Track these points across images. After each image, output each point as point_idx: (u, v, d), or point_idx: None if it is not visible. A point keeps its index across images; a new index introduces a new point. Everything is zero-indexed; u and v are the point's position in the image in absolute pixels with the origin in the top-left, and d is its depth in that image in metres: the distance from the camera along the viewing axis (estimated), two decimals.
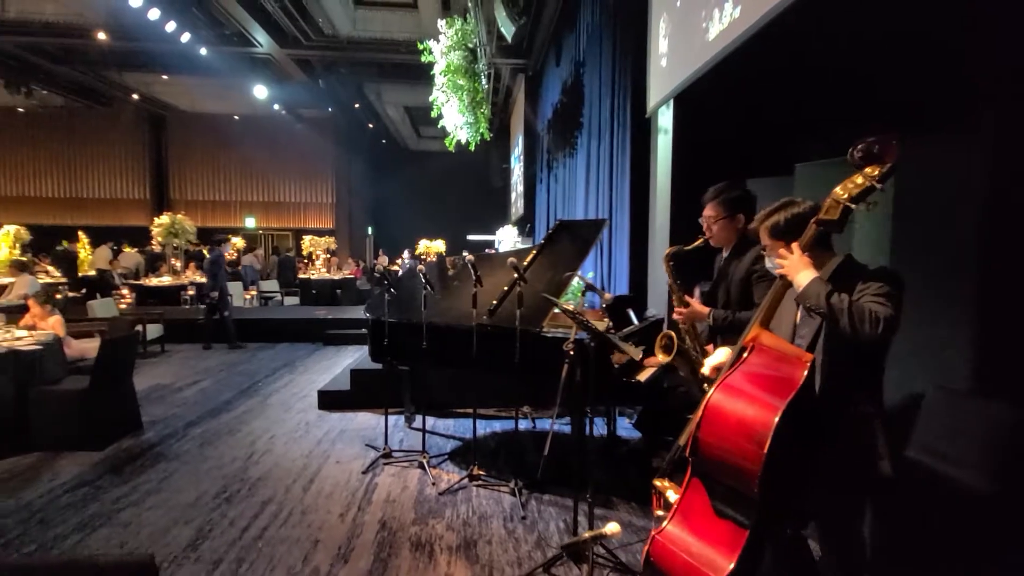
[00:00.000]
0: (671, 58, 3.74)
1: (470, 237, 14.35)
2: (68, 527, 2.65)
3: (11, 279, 6.89)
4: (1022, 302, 1.98)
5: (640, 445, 3.54)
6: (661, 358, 2.11)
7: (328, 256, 12.78)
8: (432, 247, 12.69)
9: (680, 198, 4.21)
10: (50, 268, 9.60)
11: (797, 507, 1.54)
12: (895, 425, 2.32)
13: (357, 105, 13.94)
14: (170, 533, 2.60)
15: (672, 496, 1.63)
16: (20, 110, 14.17)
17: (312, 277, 11.38)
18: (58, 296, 6.99)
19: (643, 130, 4.69)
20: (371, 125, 15.92)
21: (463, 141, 8.71)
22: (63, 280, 9.41)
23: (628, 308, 3.55)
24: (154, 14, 8.16)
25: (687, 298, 2.32)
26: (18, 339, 3.68)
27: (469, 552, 2.46)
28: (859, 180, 1.49)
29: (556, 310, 2.54)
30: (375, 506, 2.89)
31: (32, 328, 4.14)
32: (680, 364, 2.18)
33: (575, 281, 3.32)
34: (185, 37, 8.96)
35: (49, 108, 14.04)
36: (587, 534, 1.71)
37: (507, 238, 9.53)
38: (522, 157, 11.79)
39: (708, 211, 2.35)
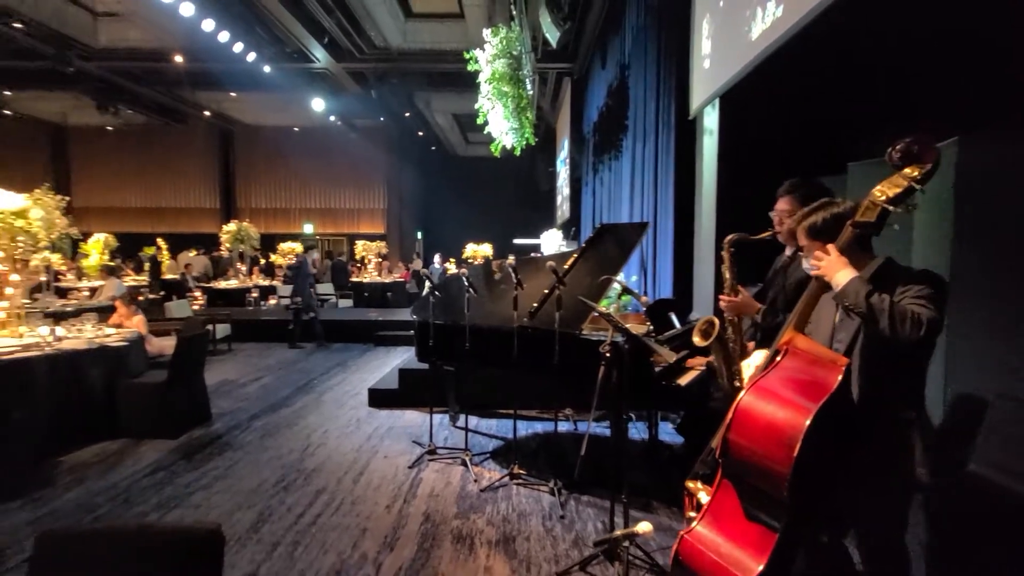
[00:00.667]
0: (714, 58, 3.70)
1: (516, 241, 14.47)
2: (148, 506, 2.93)
3: (102, 282, 7.60)
4: None
5: (682, 450, 3.50)
6: (698, 340, 2.05)
7: (380, 260, 13.25)
8: (479, 251, 12.90)
9: (726, 200, 4.14)
10: (130, 272, 10.50)
11: (830, 512, 1.52)
12: (957, 435, 2.22)
13: (408, 114, 14.38)
14: (234, 516, 2.83)
15: (704, 498, 1.64)
16: (108, 128, 15.56)
17: (364, 280, 11.85)
18: (140, 298, 7.66)
19: (688, 132, 4.64)
20: (421, 133, 16.38)
21: (508, 146, 8.84)
22: (144, 283, 10.26)
23: (670, 312, 3.52)
24: (224, 36, 8.80)
25: (740, 287, 2.18)
26: (108, 336, 4.09)
27: (508, 547, 2.54)
28: (899, 181, 1.46)
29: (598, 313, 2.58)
30: (420, 499, 3.02)
31: (119, 326, 4.58)
32: (716, 352, 2.08)
33: (615, 285, 3.32)
34: (251, 56, 9.59)
35: (132, 126, 15.32)
36: (619, 532, 1.75)
37: (551, 241, 9.58)
38: (568, 160, 11.81)
39: (782, 205, 2.25)
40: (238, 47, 9.22)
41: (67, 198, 4.43)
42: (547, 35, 7.74)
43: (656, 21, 5.47)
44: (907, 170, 1.46)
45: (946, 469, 1.95)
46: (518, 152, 9.34)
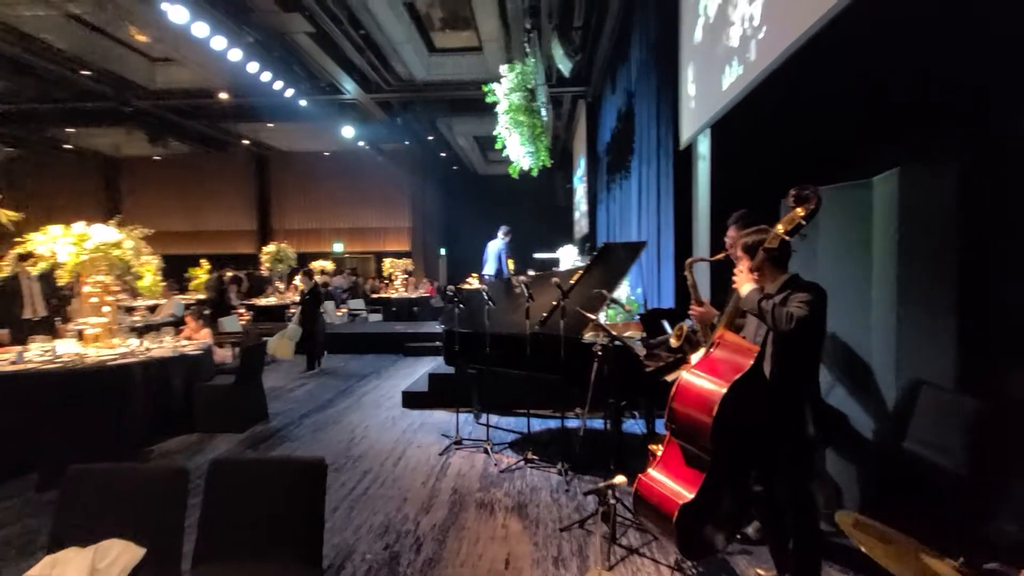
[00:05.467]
0: (697, 100, 4.27)
1: (536, 255, 15.08)
2: None
3: (161, 301, 8.48)
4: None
5: None
6: (673, 342, 2.65)
7: (406, 276, 14.02)
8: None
9: (719, 220, 4.66)
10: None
11: (751, 462, 2.06)
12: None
13: (431, 137, 15.26)
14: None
15: (659, 451, 2.20)
16: (156, 158, 16.86)
17: (392, 296, 12.61)
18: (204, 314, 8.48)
19: (685, 157, 5.18)
20: (443, 154, 17.24)
21: (526, 168, 9.52)
22: (193, 300, 11.19)
23: (663, 320, 4.07)
24: (266, 76, 9.74)
25: (703, 300, 2.78)
26: (185, 346, 4.83)
27: (521, 511, 3.11)
28: (792, 217, 2.02)
29: (602, 321, 3.16)
30: (449, 478, 3.62)
31: (189, 339, 5.33)
32: (688, 349, 2.69)
33: (626, 297, 3.88)
34: (289, 92, 10.52)
35: (177, 155, 16.57)
36: (602, 484, 2.32)
37: (567, 256, 10.16)
38: (584, 178, 12.41)
39: (731, 232, 2.84)
40: (278, 84, 10.16)
41: (148, 230, 5.21)
42: (559, 66, 8.42)
43: (655, 56, 6.06)
44: (798, 209, 2.02)
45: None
46: (535, 173, 10.05)
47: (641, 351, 2.82)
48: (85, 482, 1.78)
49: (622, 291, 6.21)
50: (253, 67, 9.38)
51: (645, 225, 6.70)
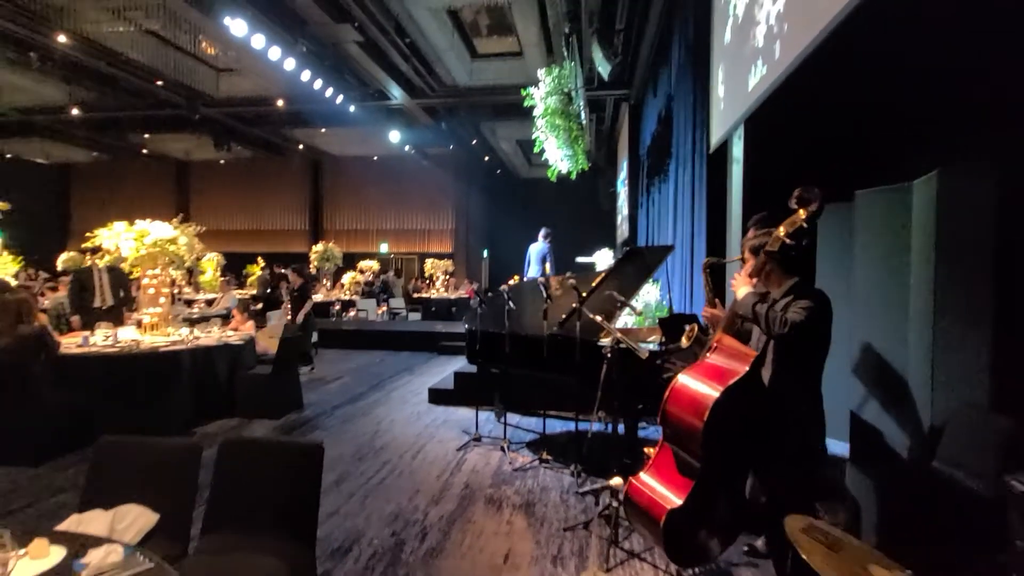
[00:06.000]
0: (726, 101, 4.18)
1: (578, 259, 15.01)
2: None
3: (219, 294, 9.07)
4: None
5: None
6: (684, 343, 2.60)
7: (446, 277, 14.31)
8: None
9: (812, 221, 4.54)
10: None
11: (743, 468, 2.01)
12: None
13: (474, 141, 15.51)
14: (323, 475, 3.63)
15: (651, 453, 2.18)
16: (221, 162, 18.01)
17: (432, 296, 12.90)
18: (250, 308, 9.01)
19: (720, 161, 5.07)
20: (487, 158, 17.48)
21: (564, 171, 9.54)
22: (248, 295, 11.88)
23: (686, 324, 3.99)
24: (318, 83, 10.24)
25: (716, 301, 2.74)
26: (229, 337, 5.16)
27: (528, 510, 3.15)
28: (794, 220, 1.97)
29: (624, 325, 3.16)
30: (463, 473, 3.70)
31: (235, 330, 5.69)
32: (699, 352, 2.64)
33: (655, 301, 3.84)
34: (339, 99, 11.01)
35: (240, 159, 17.63)
36: (599, 484, 2.32)
37: (603, 261, 10.08)
38: (627, 181, 12.27)
39: (749, 234, 2.80)
40: (329, 91, 10.67)
41: (201, 227, 5.62)
42: (599, 69, 8.40)
43: (692, 59, 5.96)
44: (800, 212, 1.96)
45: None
46: (573, 176, 10.05)
47: (645, 354, 2.79)
48: (113, 452, 1.97)
49: (652, 295, 6.12)
50: (306, 75, 9.88)
51: (680, 229, 6.58)
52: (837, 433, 3.79)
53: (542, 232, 8.78)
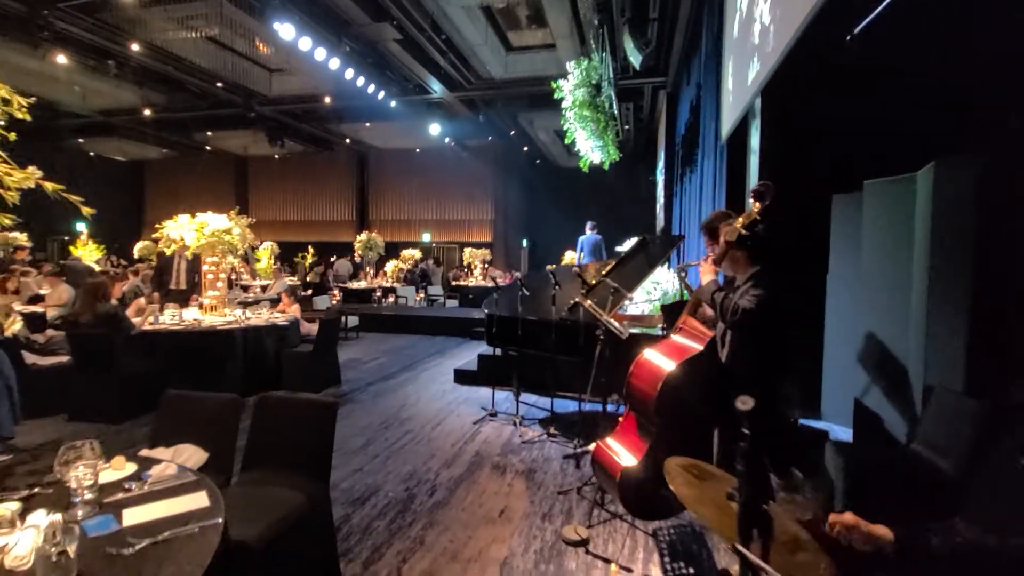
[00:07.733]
0: (733, 95, 4.27)
1: (617, 248, 15.06)
2: None
3: (272, 280, 9.85)
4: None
5: None
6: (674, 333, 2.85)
7: (484, 266, 14.73)
8: (573, 258, 13.75)
9: (764, 212, 4.63)
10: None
11: (692, 435, 2.24)
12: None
13: (512, 132, 15.78)
14: (351, 439, 4.10)
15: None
16: (275, 157, 19.14)
17: (470, 284, 13.36)
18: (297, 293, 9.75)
19: (740, 152, 5.14)
20: (525, 148, 17.70)
21: (596, 162, 9.69)
22: (297, 282, 12.73)
23: None
24: (361, 80, 10.80)
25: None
26: (277, 318, 5.74)
27: (529, 475, 3.47)
28: (750, 213, 2.17)
29: (627, 311, 3.41)
30: (475, 443, 4.06)
31: (283, 312, 6.29)
32: None
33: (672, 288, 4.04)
34: (381, 94, 11.54)
35: (292, 154, 18.68)
36: (580, 449, 2.61)
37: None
38: (664, 170, 12.23)
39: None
40: (371, 88, 11.22)
41: (252, 218, 6.22)
42: (631, 58, 8.45)
43: (717, 49, 6.00)
44: (755, 206, 2.15)
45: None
46: (606, 166, 10.20)
47: (625, 335, 3.03)
48: (175, 405, 2.44)
49: (673, 283, 6.24)
50: (350, 73, 10.45)
51: (704, 218, 6.64)
52: (842, 419, 3.90)
53: (588, 224, 9.27)
